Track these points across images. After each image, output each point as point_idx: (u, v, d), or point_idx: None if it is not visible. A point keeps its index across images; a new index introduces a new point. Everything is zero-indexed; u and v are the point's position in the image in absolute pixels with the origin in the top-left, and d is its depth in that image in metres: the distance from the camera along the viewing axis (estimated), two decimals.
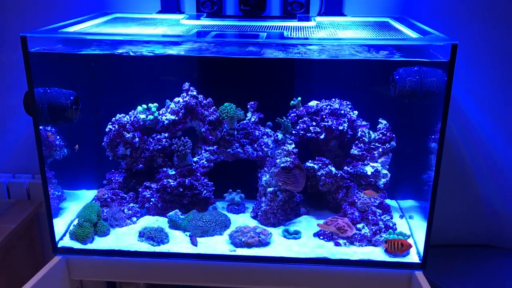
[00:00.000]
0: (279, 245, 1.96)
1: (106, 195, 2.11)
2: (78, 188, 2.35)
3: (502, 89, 2.30)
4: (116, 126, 2.12)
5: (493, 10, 2.18)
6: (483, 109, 2.35)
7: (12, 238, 2.25)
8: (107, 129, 2.15)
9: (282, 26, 2.02)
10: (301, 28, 1.96)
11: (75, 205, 2.22)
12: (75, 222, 2.03)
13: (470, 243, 2.54)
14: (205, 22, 2.10)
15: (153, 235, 1.96)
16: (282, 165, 2.01)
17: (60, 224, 2.05)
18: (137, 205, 2.14)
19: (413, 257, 1.91)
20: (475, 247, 2.52)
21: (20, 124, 2.49)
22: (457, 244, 2.51)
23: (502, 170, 2.42)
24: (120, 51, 1.84)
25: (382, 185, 2.09)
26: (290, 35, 1.83)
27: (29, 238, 2.48)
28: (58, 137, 2.13)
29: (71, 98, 1.87)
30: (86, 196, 2.31)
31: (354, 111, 2.15)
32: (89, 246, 1.95)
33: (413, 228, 2.07)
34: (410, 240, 1.94)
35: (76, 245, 1.96)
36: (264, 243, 1.95)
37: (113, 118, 2.15)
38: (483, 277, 2.29)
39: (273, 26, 2.02)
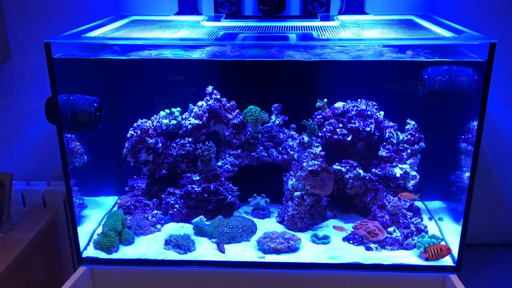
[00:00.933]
0: (309, 251, 1.92)
1: (129, 202, 2.06)
2: (97, 195, 2.30)
3: None
4: (138, 132, 2.07)
5: None
6: (504, 105, 2.31)
7: (30, 247, 2.19)
8: (128, 135, 2.10)
9: (306, 26, 1.97)
10: (327, 28, 1.91)
11: (96, 212, 2.18)
12: (99, 230, 1.99)
13: (491, 242, 2.51)
14: (226, 23, 2.05)
15: (180, 243, 1.91)
16: (309, 168, 1.97)
17: (83, 233, 2.00)
18: (161, 212, 2.09)
19: (446, 259, 1.87)
20: (500, 246, 2.49)
21: (33, 131, 2.43)
22: (481, 244, 2.48)
23: None
24: (147, 54, 1.79)
25: (411, 187, 2.05)
26: (320, 35, 1.78)
27: (46, 247, 2.42)
28: (78, 143, 2.07)
29: (95, 104, 1.82)
30: (106, 203, 2.27)
31: (380, 112, 2.11)
32: (114, 256, 1.91)
33: (443, 230, 2.04)
34: (443, 243, 1.90)
35: (101, 254, 1.91)
36: (293, 249, 1.91)
37: (135, 124, 2.10)
38: (506, 276, 2.26)
39: (297, 26, 1.97)
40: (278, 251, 1.90)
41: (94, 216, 2.15)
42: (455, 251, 1.86)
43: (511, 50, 2.19)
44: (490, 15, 2.16)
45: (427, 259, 1.85)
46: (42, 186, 2.47)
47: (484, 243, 2.46)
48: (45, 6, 2.24)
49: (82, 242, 1.94)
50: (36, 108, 2.36)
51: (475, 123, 1.87)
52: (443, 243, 1.91)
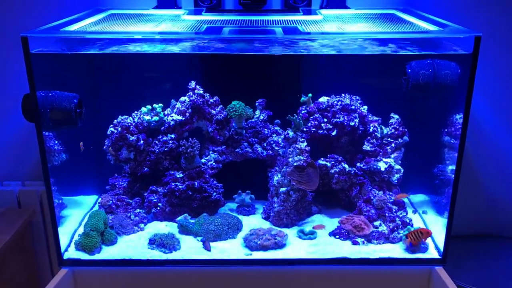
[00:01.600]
0: (295, 246, 1.91)
1: (111, 201, 2.00)
2: (76, 194, 2.24)
3: (503, 79, 2.30)
4: (119, 129, 2.01)
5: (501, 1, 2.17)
6: (484, 99, 2.34)
7: (6, 250, 2.11)
8: (108, 132, 2.04)
9: (289, 20, 1.95)
10: (311, 22, 1.89)
11: (75, 212, 2.11)
12: (80, 231, 1.93)
13: (471, 233, 2.54)
14: (207, 17, 2.01)
15: (165, 242, 1.87)
16: (295, 164, 1.95)
17: (63, 234, 1.93)
18: (144, 211, 2.04)
19: (432, 251, 1.89)
20: (476, 237, 2.52)
21: (6, 129, 2.34)
22: (459, 235, 2.51)
23: (502, 158, 2.42)
24: (127, 48, 1.74)
25: (396, 181, 2.06)
26: (305, 30, 1.76)
27: (22, 249, 2.35)
28: (56, 141, 2.00)
29: (75, 101, 1.75)
30: (86, 202, 2.20)
31: (364, 106, 2.11)
32: (97, 257, 1.85)
33: (427, 223, 2.05)
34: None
35: (83, 256, 1.85)
36: (280, 245, 1.90)
37: (115, 120, 2.05)
38: (488, 267, 2.29)
39: (280, 20, 1.95)
40: (265, 248, 1.88)
41: (74, 216, 2.08)
42: (440, 244, 1.87)
43: (491, 46, 2.21)
44: (470, 11, 2.18)
45: (411, 245, 1.85)
46: (16, 186, 2.39)
47: (466, 234, 2.49)
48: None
49: (63, 243, 1.87)
50: (8, 106, 2.27)
51: (458, 116, 1.89)
52: None
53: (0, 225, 2.21)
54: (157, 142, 2.05)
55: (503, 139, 2.40)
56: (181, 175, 2.03)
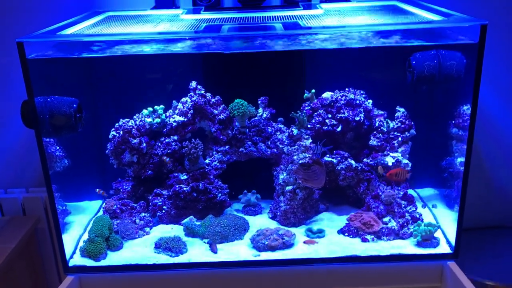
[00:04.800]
0: (304, 246, 1.87)
1: (115, 206, 1.98)
2: (80, 199, 2.21)
3: (509, 68, 2.25)
4: (121, 132, 1.99)
5: None
6: (492, 89, 2.29)
7: (12, 258, 2.10)
8: (110, 136, 2.02)
9: (290, 15, 1.92)
10: (311, 17, 1.85)
11: (80, 218, 2.08)
12: (85, 237, 1.90)
13: (482, 226, 2.50)
14: (206, 16, 1.98)
15: (171, 246, 1.84)
16: (300, 161, 1.91)
17: (68, 241, 1.91)
18: (149, 214, 2.02)
19: (443, 246, 1.85)
20: (487, 229, 2.49)
21: (8, 135, 2.32)
22: (470, 228, 2.47)
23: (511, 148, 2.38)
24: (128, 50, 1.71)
25: None
26: (306, 24, 1.72)
27: (28, 257, 2.33)
28: (57, 147, 1.98)
29: (74, 106, 1.73)
30: (90, 207, 2.18)
31: (369, 100, 2.07)
32: (102, 263, 1.83)
33: (438, 217, 2.01)
34: (438, 233, 1.88)
35: (89, 262, 1.82)
36: (288, 245, 1.86)
37: (117, 124, 2.02)
38: (500, 258, 2.25)
39: (280, 16, 1.91)
40: (273, 248, 1.85)
41: (79, 222, 2.06)
42: (451, 238, 1.84)
43: (498, 35, 2.17)
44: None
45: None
46: (20, 193, 2.37)
47: (477, 227, 2.45)
48: (15, 4, 2.13)
49: (68, 250, 1.85)
50: (9, 112, 2.26)
51: (466, 107, 1.85)
52: (439, 231, 1.89)
53: (5, 233, 2.19)
54: (159, 144, 2.02)
55: (511, 128, 2.35)
56: (185, 177, 2.00)
